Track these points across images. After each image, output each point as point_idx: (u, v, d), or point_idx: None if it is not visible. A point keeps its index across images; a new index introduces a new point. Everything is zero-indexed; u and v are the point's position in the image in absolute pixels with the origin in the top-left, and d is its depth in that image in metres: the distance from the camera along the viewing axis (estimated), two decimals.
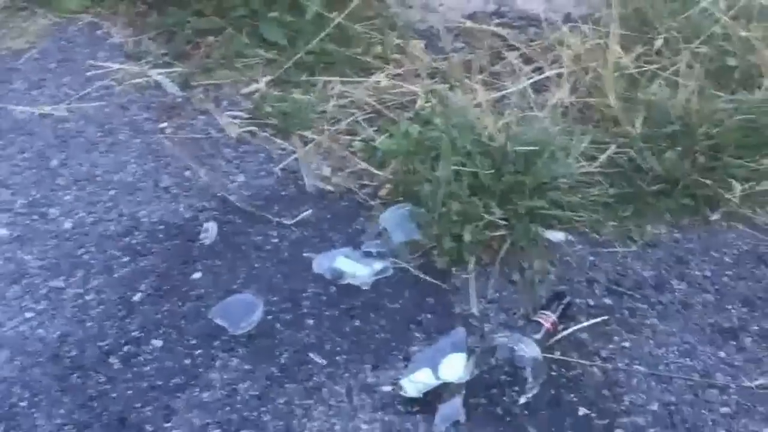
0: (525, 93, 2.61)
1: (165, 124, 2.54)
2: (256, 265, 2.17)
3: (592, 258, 2.21)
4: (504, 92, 2.63)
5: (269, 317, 2.05)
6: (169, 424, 1.83)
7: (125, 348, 1.97)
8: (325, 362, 1.95)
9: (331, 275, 2.14)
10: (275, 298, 2.09)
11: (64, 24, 2.86)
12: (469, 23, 2.92)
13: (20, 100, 2.60)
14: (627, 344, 2.01)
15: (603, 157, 2.37)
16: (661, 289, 2.14)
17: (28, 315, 2.04)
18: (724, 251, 2.23)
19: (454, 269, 2.15)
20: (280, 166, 2.44)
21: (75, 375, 1.92)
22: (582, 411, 1.87)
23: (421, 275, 2.14)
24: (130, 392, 1.88)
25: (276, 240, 2.24)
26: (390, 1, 2.97)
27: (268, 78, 2.68)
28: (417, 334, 2.02)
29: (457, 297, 2.10)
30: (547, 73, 2.69)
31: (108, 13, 2.90)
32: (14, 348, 1.97)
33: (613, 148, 2.38)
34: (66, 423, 1.83)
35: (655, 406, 1.89)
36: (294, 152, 2.47)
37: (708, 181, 2.30)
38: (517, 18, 2.95)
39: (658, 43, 2.63)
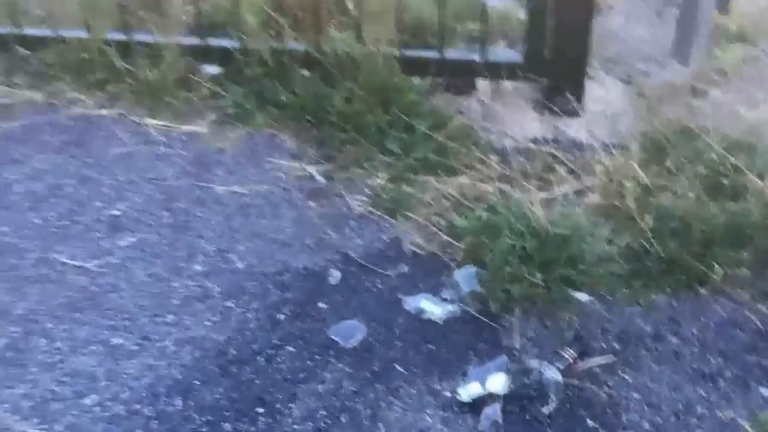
0: (567, 195, 2.62)
1: (312, 203, 2.64)
2: (364, 301, 2.23)
3: (607, 314, 2.17)
4: (553, 194, 2.64)
5: (369, 338, 2.09)
6: (293, 405, 1.89)
7: (269, 351, 2.05)
8: (405, 372, 1.98)
9: (415, 312, 2.17)
10: (374, 325, 2.14)
11: (253, 134, 3.01)
12: (531, 145, 2.95)
13: (221, 182, 2.75)
14: (628, 378, 1.97)
15: (621, 243, 2.35)
16: (658, 341, 2.09)
17: (207, 323, 2.14)
18: (709, 316, 2.16)
19: (504, 314, 2.15)
20: (388, 235, 2.51)
21: (233, 366, 2.00)
22: (590, 423, 1.84)
23: (480, 317, 2.15)
24: (268, 381, 1.96)
25: (380, 285, 2.29)
26: (476, 127, 3.03)
27: (387, 176, 2.77)
28: (473, 358, 2.03)
29: (505, 334, 2.10)
30: (586, 183, 2.69)
31: (283, 128, 3.05)
32: (195, 345, 2.07)
33: (629, 237, 2.36)
34: (223, 398, 1.91)
35: (646, 426, 1.84)
36: (399, 226, 2.54)
37: (700, 265, 2.25)
38: (567, 143, 2.97)
39: (668, 164, 2.60)
